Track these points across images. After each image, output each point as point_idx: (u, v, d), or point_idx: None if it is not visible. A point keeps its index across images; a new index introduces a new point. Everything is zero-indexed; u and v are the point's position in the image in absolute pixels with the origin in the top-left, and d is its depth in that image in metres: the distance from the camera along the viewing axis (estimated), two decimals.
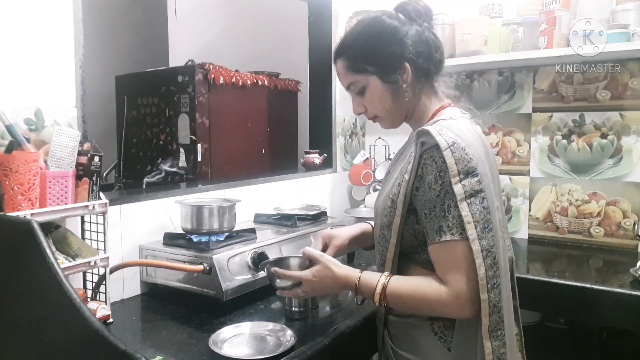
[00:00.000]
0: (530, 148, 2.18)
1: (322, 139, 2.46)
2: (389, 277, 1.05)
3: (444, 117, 1.09)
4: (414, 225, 1.05)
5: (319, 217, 1.81)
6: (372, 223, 1.28)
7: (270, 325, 1.20)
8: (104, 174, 2.52)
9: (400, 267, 1.09)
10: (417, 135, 1.03)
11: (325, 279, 1.10)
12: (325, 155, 2.37)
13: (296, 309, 1.29)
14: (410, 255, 1.09)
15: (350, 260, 1.83)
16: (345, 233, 1.28)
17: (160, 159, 2.48)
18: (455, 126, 1.03)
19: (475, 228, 0.95)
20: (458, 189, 0.96)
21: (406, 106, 1.13)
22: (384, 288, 1.03)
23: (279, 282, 1.15)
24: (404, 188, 1.03)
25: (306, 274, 1.12)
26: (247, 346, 1.14)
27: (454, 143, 0.98)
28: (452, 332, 1.03)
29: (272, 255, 1.45)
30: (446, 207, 0.97)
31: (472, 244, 0.95)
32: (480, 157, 1.00)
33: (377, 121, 1.20)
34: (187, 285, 1.38)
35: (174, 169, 2.25)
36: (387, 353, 1.15)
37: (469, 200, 0.96)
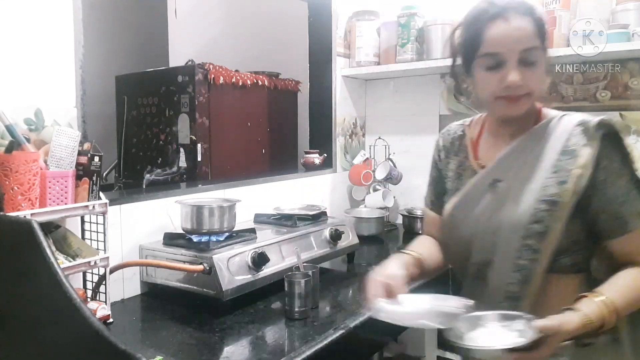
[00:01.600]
0: None
1: (322, 139, 2.46)
2: (602, 297, 0.91)
3: (563, 113, 1.06)
4: (570, 226, 0.97)
5: (319, 217, 1.81)
6: (410, 251, 1.16)
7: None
8: (104, 174, 2.51)
9: (549, 283, 0.99)
10: (597, 126, 0.99)
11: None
12: (325, 155, 2.37)
13: (296, 309, 1.29)
14: (557, 263, 0.99)
15: (350, 261, 1.83)
16: (398, 276, 1.08)
17: (160, 159, 2.49)
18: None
19: None
20: None
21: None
22: (613, 309, 0.90)
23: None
24: (574, 184, 0.95)
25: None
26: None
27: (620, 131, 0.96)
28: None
29: (272, 255, 1.45)
30: (638, 192, 0.96)
31: None
32: None
33: (518, 102, 1.01)
34: (187, 285, 1.38)
35: (167, 174, 2.25)
36: None
37: None
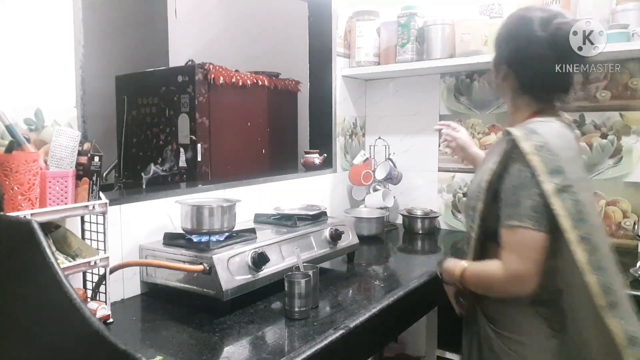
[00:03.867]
0: None
1: (322, 139, 2.46)
2: (465, 265, 1.22)
3: (534, 120, 1.19)
4: (497, 211, 1.15)
5: (319, 217, 1.81)
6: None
7: None
8: (104, 174, 2.51)
9: (488, 249, 1.20)
10: (504, 133, 1.17)
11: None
12: (325, 155, 2.37)
13: (296, 309, 1.29)
14: (495, 238, 1.17)
15: (350, 261, 1.83)
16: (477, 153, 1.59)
17: (160, 159, 2.49)
18: (541, 129, 1.12)
19: (571, 220, 1.04)
20: (548, 187, 1.06)
21: (510, 105, 1.28)
22: (462, 272, 1.22)
23: None
24: (489, 175, 1.16)
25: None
26: None
27: (541, 146, 1.08)
28: (559, 315, 1.11)
29: (272, 255, 1.45)
30: (519, 197, 1.09)
31: (568, 235, 1.04)
32: (567, 156, 1.10)
33: None
34: (187, 285, 1.38)
35: (166, 171, 2.25)
36: (485, 332, 1.24)
37: (561, 196, 1.05)
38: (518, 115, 1.25)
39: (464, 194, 2.32)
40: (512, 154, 1.12)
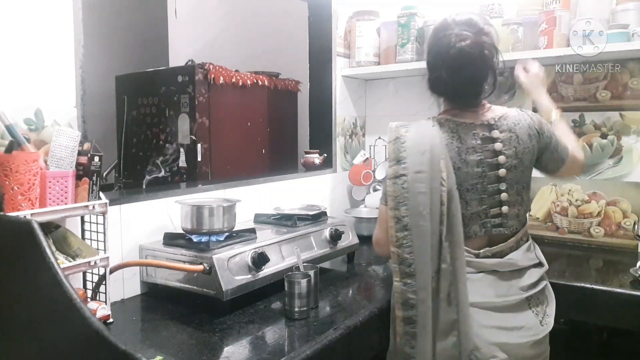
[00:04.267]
0: None
1: (322, 139, 2.46)
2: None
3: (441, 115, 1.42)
4: None
5: (319, 217, 1.81)
6: None
7: None
8: (104, 174, 2.51)
9: None
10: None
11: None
12: (325, 155, 2.37)
13: (296, 309, 1.29)
14: None
15: (350, 261, 1.83)
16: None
17: (160, 157, 2.49)
18: (413, 126, 1.31)
19: (393, 200, 1.25)
20: (389, 171, 1.28)
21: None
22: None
23: None
24: None
25: None
26: None
27: (397, 139, 1.28)
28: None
29: (272, 255, 1.45)
30: (384, 180, 1.31)
31: (388, 211, 1.27)
32: (417, 152, 1.26)
33: None
34: (187, 285, 1.38)
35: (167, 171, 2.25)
36: None
37: (393, 180, 1.26)
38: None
39: None
40: None
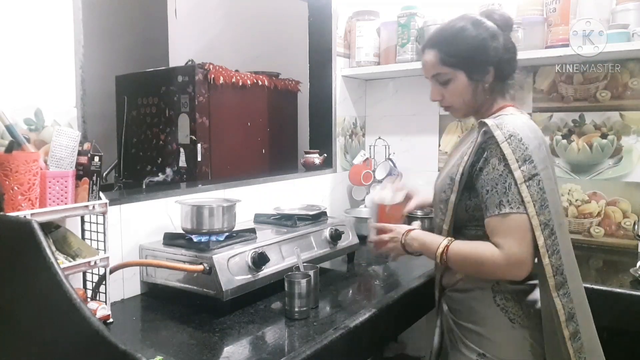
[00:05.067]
0: None
1: (322, 139, 2.46)
2: (451, 240, 1.22)
3: (505, 113, 1.25)
4: (467, 201, 1.22)
5: (319, 217, 1.81)
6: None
7: None
8: (104, 174, 2.52)
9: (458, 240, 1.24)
10: (479, 125, 1.20)
11: (396, 237, 1.33)
12: (325, 155, 2.37)
13: (296, 309, 1.29)
14: (460, 231, 1.26)
15: (350, 261, 1.83)
16: (424, 198, 1.54)
17: (160, 158, 2.49)
18: (511, 121, 1.18)
19: (534, 206, 1.11)
20: (518, 174, 1.12)
21: (480, 102, 1.28)
22: (446, 247, 1.20)
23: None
24: (462, 168, 1.20)
25: (393, 228, 1.35)
26: None
27: (511, 136, 1.14)
28: (513, 303, 1.20)
29: (272, 255, 1.46)
30: (507, 185, 1.13)
31: (531, 220, 1.11)
32: (535, 147, 1.15)
33: (449, 110, 1.33)
34: (187, 285, 1.38)
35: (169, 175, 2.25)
36: (448, 324, 1.31)
37: (527, 183, 1.12)
38: (487, 112, 1.29)
39: None
40: (486, 144, 1.17)
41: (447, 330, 1.33)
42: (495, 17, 1.26)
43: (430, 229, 1.35)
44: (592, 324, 1.23)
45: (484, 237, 1.18)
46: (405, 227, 1.34)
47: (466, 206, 1.23)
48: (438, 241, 1.23)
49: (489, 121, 1.17)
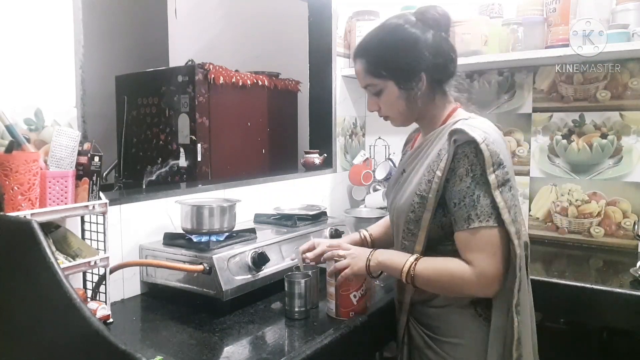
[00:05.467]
0: (530, 148, 2.18)
1: (322, 139, 2.46)
2: (418, 257, 1.15)
3: (462, 117, 1.18)
4: (441, 218, 1.14)
5: (319, 217, 1.81)
6: (364, 232, 1.47)
7: None
8: (104, 174, 2.52)
9: None
10: (450, 134, 1.11)
11: (358, 253, 1.24)
12: (325, 155, 2.37)
13: (296, 309, 1.29)
14: (435, 248, 1.17)
15: None
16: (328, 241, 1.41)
17: (160, 158, 2.49)
18: (479, 124, 1.12)
19: (509, 212, 1.06)
20: (492, 178, 1.06)
21: (418, 109, 1.21)
22: (413, 265, 1.13)
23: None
24: (436, 184, 1.11)
25: (346, 247, 1.28)
26: None
27: (486, 138, 1.07)
28: (491, 309, 1.12)
29: (272, 255, 1.46)
30: (475, 198, 1.07)
31: (507, 227, 1.05)
32: (504, 151, 1.10)
33: (388, 120, 1.27)
34: (187, 285, 1.38)
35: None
36: (417, 345, 1.23)
37: (500, 189, 1.06)
38: (435, 118, 1.22)
39: None
40: (460, 152, 1.09)
41: (418, 351, 1.24)
42: (428, 16, 1.17)
43: None
44: (534, 348, 1.18)
45: None
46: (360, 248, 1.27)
47: (441, 223, 1.14)
48: (404, 259, 1.16)
49: (461, 126, 1.10)
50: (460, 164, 1.09)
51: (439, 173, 1.11)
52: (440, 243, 1.17)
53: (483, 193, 1.06)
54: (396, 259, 1.18)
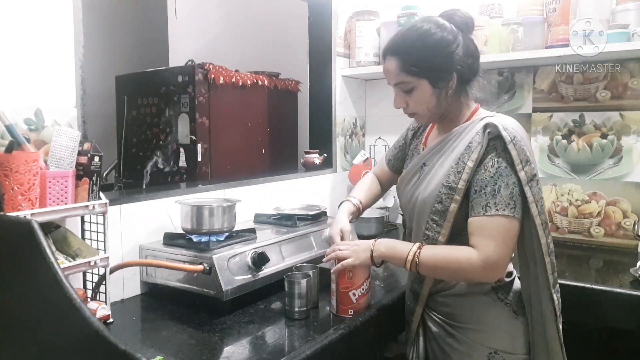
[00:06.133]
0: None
1: (322, 139, 2.46)
2: (421, 245, 1.20)
3: (487, 114, 1.23)
4: (466, 208, 1.18)
5: (319, 217, 1.81)
6: (352, 199, 1.48)
7: None
8: (104, 174, 2.52)
9: None
10: (484, 127, 1.17)
11: (358, 245, 1.28)
12: (325, 155, 2.37)
13: (296, 309, 1.29)
14: (455, 238, 1.21)
15: None
16: (348, 224, 1.42)
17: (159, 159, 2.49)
18: (508, 124, 1.17)
19: (536, 206, 1.13)
20: (522, 175, 1.12)
21: (445, 107, 1.25)
22: (417, 252, 1.18)
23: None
24: (467, 174, 1.16)
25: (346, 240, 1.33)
26: None
27: (514, 137, 1.14)
28: (512, 295, 1.23)
29: (272, 255, 1.46)
30: (497, 188, 1.13)
31: (534, 219, 1.13)
32: (529, 148, 1.16)
33: (414, 117, 1.31)
34: (187, 285, 1.38)
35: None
36: (437, 334, 1.27)
37: (530, 184, 1.13)
38: (459, 116, 1.26)
39: None
40: (490, 145, 1.15)
41: (436, 341, 1.28)
42: (456, 18, 1.22)
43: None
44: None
45: None
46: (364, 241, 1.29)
47: (465, 213, 1.18)
48: (407, 247, 1.21)
49: (494, 121, 1.16)
50: (487, 155, 1.15)
51: (470, 164, 1.16)
52: (460, 232, 1.20)
53: (505, 185, 1.13)
54: (399, 248, 1.23)
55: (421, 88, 1.21)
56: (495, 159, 1.14)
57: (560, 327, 1.19)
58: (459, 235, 1.21)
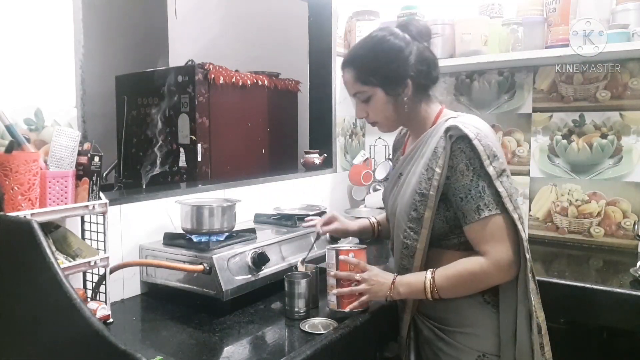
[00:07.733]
0: (530, 148, 2.18)
1: (322, 139, 2.46)
2: (433, 271, 1.18)
3: (450, 115, 1.24)
4: (445, 213, 1.18)
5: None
6: (373, 219, 1.54)
7: None
8: (104, 174, 2.51)
9: (430, 256, 1.22)
10: (445, 130, 1.16)
11: (377, 282, 1.23)
12: (325, 155, 2.37)
13: (296, 309, 1.29)
14: (440, 243, 1.22)
15: None
16: (348, 224, 1.51)
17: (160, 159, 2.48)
18: (471, 121, 1.17)
19: (510, 200, 1.12)
20: (491, 170, 1.12)
21: (404, 114, 1.26)
22: (432, 280, 1.16)
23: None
24: (436, 181, 1.16)
25: (369, 268, 1.25)
26: None
27: (478, 134, 1.13)
28: (498, 297, 1.18)
29: (272, 255, 1.45)
30: (481, 189, 1.12)
31: (511, 214, 1.11)
32: (495, 143, 1.16)
33: (376, 126, 1.32)
34: (187, 285, 1.38)
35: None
36: (428, 338, 1.26)
37: (500, 179, 1.12)
38: (423, 121, 1.27)
39: None
40: (456, 149, 1.14)
41: (428, 345, 1.28)
42: (410, 27, 1.25)
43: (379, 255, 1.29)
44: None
45: (467, 243, 1.17)
46: (385, 273, 1.24)
47: (445, 218, 1.19)
48: (420, 278, 1.18)
49: (455, 122, 1.15)
50: (458, 160, 1.14)
51: (438, 170, 1.16)
52: (445, 238, 1.21)
53: (487, 183, 1.12)
54: (414, 283, 1.20)
55: (377, 97, 1.24)
56: (467, 161, 1.13)
57: (536, 329, 1.15)
58: (440, 242, 1.21)
